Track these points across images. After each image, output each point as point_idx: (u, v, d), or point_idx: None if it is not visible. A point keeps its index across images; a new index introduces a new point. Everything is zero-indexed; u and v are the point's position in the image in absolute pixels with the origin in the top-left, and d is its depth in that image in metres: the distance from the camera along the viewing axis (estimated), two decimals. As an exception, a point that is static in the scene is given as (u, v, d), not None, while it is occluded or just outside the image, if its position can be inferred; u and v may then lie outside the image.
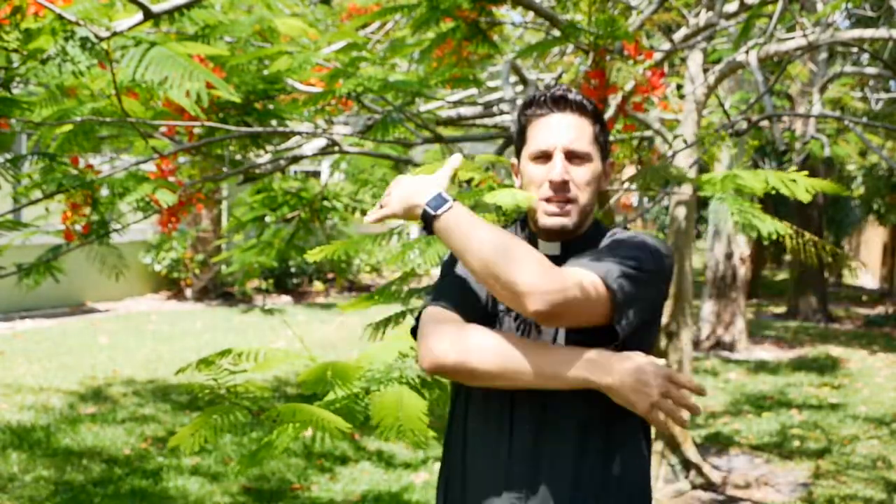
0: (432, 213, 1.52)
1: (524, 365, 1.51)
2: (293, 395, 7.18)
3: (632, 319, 1.54)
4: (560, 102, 1.65)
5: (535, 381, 1.52)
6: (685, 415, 1.52)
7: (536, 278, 1.44)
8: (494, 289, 1.49)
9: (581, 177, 1.63)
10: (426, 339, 1.55)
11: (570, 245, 1.66)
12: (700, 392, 1.53)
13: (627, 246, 1.61)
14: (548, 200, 1.62)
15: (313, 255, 2.00)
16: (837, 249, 2.04)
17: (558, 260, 1.61)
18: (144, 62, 1.92)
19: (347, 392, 1.69)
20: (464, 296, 1.65)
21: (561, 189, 1.61)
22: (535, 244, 1.67)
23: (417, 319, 1.65)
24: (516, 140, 1.72)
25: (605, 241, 1.67)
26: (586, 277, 1.50)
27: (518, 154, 1.72)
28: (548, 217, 1.63)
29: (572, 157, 1.63)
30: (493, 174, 1.88)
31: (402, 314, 2.45)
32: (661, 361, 1.54)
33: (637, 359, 1.52)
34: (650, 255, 1.61)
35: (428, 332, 1.56)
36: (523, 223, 1.74)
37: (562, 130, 1.63)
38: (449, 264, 1.72)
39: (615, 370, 1.50)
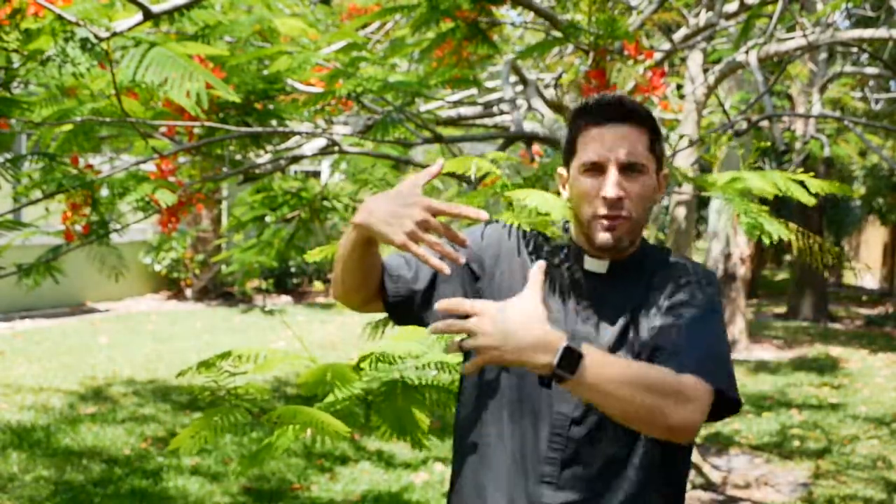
0: (568, 377, 1.35)
1: None
2: (293, 395, 7.18)
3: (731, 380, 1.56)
4: (614, 110, 1.55)
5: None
6: (446, 248, 1.42)
7: (689, 416, 1.41)
8: (638, 422, 1.42)
9: (636, 191, 1.54)
10: None
11: (618, 264, 1.60)
12: (479, 217, 1.41)
13: (704, 306, 1.55)
14: (601, 217, 1.54)
15: (313, 256, 2.00)
16: (841, 252, 2.04)
17: (604, 279, 1.59)
18: (144, 63, 1.92)
19: (347, 393, 1.68)
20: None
21: (615, 206, 1.53)
22: (581, 259, 1.61)
23: None
24: (565, 150, 1.63)
25: (660, 273, 1.60)
26: (704, 395, 1.45)
27: (567, 165, 1.62)
28: (601, 234, 1.54)
29: (627, 169, 1.54)
30: (499, 171, 1.88)
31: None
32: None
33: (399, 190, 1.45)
34: (718, 306, 1.59)
35: None
36: (566, 232, 1.67)
37: (616, 141, 1.53)
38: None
39: (367, 207, 1.46)
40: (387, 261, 1.63)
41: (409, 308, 1.63)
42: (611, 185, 1.51)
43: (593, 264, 1.60)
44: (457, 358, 1.80)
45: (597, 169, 1.54)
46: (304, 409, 1.60)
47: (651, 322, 1.55)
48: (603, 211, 1.53)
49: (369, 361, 1.80)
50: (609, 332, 1.56)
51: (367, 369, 1.79)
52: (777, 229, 1.81)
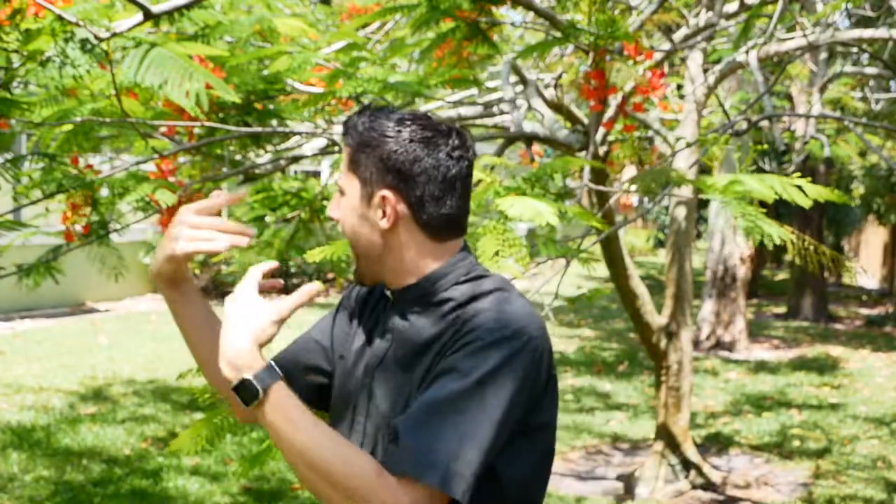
0: (246, 404, 1.26)
1: None
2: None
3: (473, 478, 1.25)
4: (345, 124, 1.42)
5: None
6: (222, 241, 1.38)
7: (376, 487, 1.21)
8: (319, 489, 1.24)
9: (337, 213, 1.42)
10: None
11: (397, 293, 1.43)
12: (232, 203, 1.42)
13: (469, 376, 1.27)
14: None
15: (313, 256, 2.00)
16: (838, 255, 2.04)
17: (394, 306, 1.44)
18: (145, 64, 1.92)
19: None
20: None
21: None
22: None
23: None
24: None
25: (450, 328, 1.34)
26: (419, 491, 1.22)
27: None
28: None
29: (342, 192, 1.41)
30: (494, 177, 1.88)
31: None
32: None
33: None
34: (510, 368, 1.28)
35: None
36: None
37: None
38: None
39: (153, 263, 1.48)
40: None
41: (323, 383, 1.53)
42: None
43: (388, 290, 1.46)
44: None
45: None
46: None
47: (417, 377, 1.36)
48: None
49: None
50: (372, 361, 1.43)
51: None
52: (775, 232, 1.81)
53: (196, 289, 1.56)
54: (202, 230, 1.40)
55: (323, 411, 1.52)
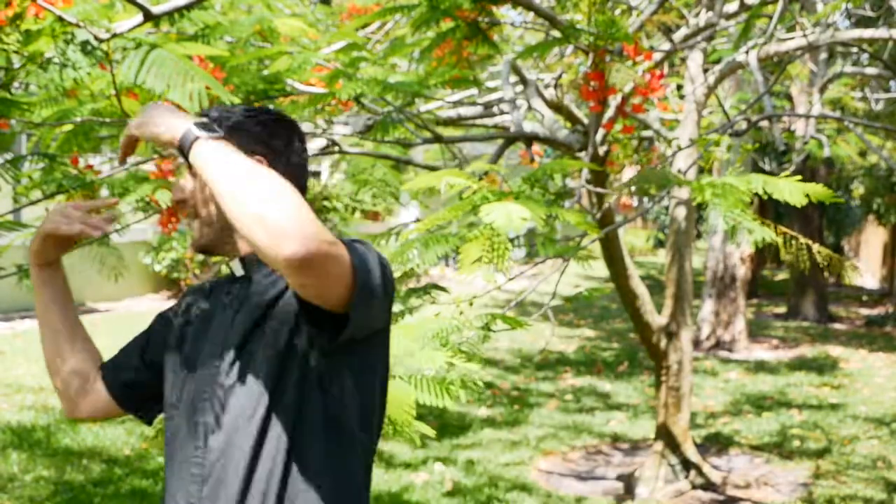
0: (196, 134, 1.33)
1: None
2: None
3: (367, 317, 1.39)
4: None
5: None
6: (76, 226, 1.55)
7: (299, 219, 1.24)
8: (244, 226, 1.25)
9: (191, 188, 1.54)
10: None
11: (246, 261, 1.54)
12: (113, 204, 1.61)
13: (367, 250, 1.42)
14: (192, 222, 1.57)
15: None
16: (835, 255, 2.04)
17: (244, 280, 1.53)
18: (145, 65, 1.92)
19: None
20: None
21: (181, 204, 1.56)
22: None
23: None
24: None
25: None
26: (338, 242, 1.32)
27: None
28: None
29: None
30: (489, 181, 1.88)
31: (401, 314, 2.45)
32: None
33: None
34: (387, 269, 1.44)
35: None
36: None
37: None
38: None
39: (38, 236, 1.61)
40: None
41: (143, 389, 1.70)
42: (174, 186, 1.58)
43: (235, 267, 1.56)
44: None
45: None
46: None
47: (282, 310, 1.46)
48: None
49: None
50: (242, 330, 1.48)
51: None
52: (761, 233, 1.81)
53: (63, 276, 1.69)
54: (69, 216, 1.56)
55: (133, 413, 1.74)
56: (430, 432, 1.71)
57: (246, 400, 1.43)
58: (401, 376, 1.73)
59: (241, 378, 1.44)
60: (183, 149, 1.34)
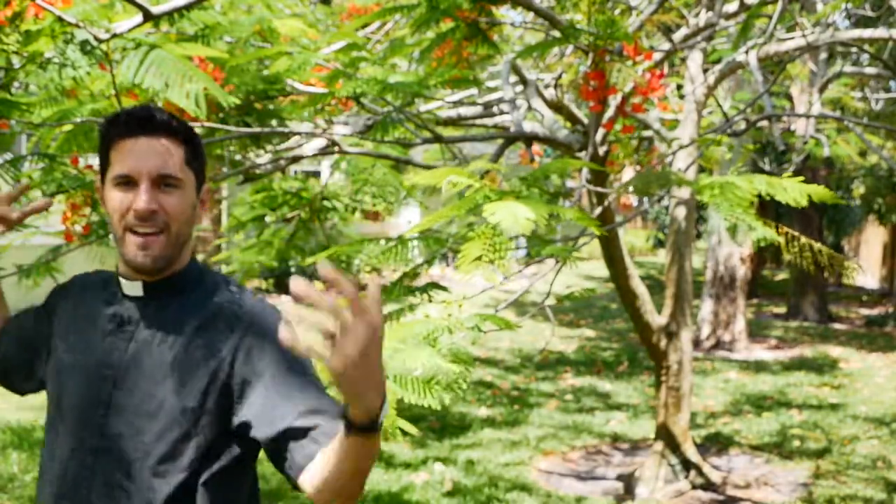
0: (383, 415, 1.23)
1: None
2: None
3: None
4: (146, 123, 1.48)
5: None
6: None
7: None
8: (346, 495, 1.33)
9: (171, 205, 1.47)
10: None
11: (155, 285, 1.52)
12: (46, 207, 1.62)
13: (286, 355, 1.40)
14: (133, 232, 1.46)
15: (315, 258, 2.00)
16: (835, 254, 2.04)
17: (142, 302, 1.51)
18: (144, 65, 1.92)
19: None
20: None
21: (148, 220, 1.45)
22: (116, 283, 1.54)
23: None
24: (100, 163, 1.53)
25: (214, 307, 1.51)
26: None
27: (102, 178, 1.53)
28: (134, 250, 1.46)
29: (161, 183, 1.47)
30: (489, 181, 1.87)
31: (401, 311, 2.45)
32: None
33: None
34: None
35: None
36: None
37: (148, 154, 1.46)
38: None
39: None
40: None
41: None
42: (143, 197, 1.44)
43: (129, 287, 1.52)
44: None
45: (129, 182, 1.47)
46: None
47: (208, 366, 1.45)
48: (135, 225, 1.46)
49: None
50: (135, 359, 1.48)
51: None
52: (763, 233, 1.82)
53: None
54: None
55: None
56: (414, 430, 1.71)
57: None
58: (386, 376, 1.73)
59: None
60: (373, 423, 1.21)
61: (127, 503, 1.45)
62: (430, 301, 2.26)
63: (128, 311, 1.52)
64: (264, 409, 1.42)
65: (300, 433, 1.38)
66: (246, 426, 1.44)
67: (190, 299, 1.52)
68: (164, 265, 1.50)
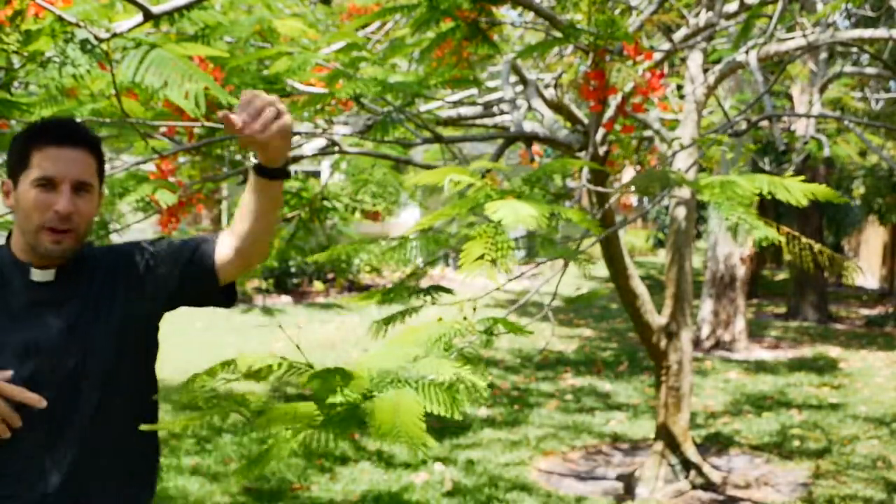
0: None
1: None
2: (293, 395, 7.18)
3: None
4: (71, 134, 1.75)
5: None
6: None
7: None
8: (269, 237, 1.81)
9: (83, 207, 1.74)
10: None
11: (64, 269, 1.78)
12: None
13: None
14: (50, 229, 1.71)
15: (316, 258, 2.00)
16: (835, 254, 2.04)
17: (53, 287, 1.76)
18: (144, 65, 1.92)
19: (348, 397, 1.65)
20: None
21: (66, 220, 1.71)
22: (27, 272, 1.75)
23: None
24: (15, 163, 1.75)
25: (103, 263, 1.83)
26: None
27: (15, 177, 1.75)
28: (49, 245, 1.72)
29: (78, 188, 1.73)
30: (490, 180, 1.87)
31: (406, 312, 2.45)
32: None
33: None
34: None
35: None
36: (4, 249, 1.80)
37: (71, 162, 1.72)
38: None
39: None
40: None
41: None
42: (65, 200, 1.70)
43: (40, 275, 1.76)
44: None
45: (49, 185, 1.70)
46: (301, 409, 1.58)
47: (118, 300, 1.79)
48: (53, 223, 1.71)
49: (372, 365, 1.76)
50: (69, 329, 1.74)
51: (370, 375, 1.75)
52: (765, 233, 1.81)
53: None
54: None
55: None
56: (433, 443, 1.69)
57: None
58: (407, 381, 1.71)
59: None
60: (279, 169, 1.72)
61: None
62: (434, 303, 2.26)
63: (42, 295, 1.76)
64: (170, 271, 1.84)
65: (198, 251, 1.83)
66: (162, 297, 1.85)
67: (92, 274, 1.81)
68: (71, 255, 1.76)
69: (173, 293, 1.84)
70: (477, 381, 1.70)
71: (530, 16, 5.24)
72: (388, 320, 2.45)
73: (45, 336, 1.72)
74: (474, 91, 4.22)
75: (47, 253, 1.72)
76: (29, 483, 1.71)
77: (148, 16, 2.15)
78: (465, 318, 1.83)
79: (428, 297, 2.27)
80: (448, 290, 2.25)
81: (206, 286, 1.83)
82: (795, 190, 1.90)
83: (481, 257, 1.71)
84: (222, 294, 1.87)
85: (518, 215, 1.64)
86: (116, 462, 1.79)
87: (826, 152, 6.22)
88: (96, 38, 2.07)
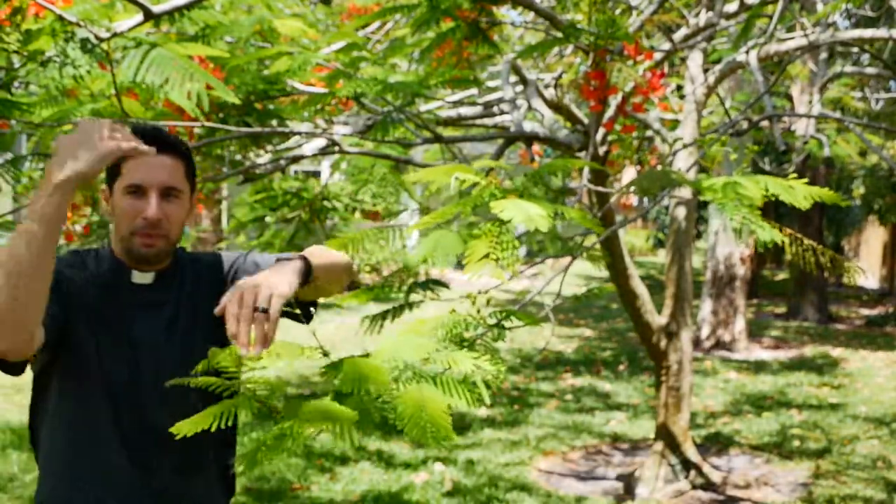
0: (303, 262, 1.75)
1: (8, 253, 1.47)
2: (294, 395, 7.18)
3: None
4: (157, 141, 1.73)
5: (33, 243, 1.46)
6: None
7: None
8: (339, 283, 1.95)
9: (173, 213, 1.79)
10: None
11: (162, 272, 1.85)
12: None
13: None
14: (141, 234, 1.77)
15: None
16: (837, 255, 2.03)
17: (152, 289, 1.83)
18: (145, 64, 1.92)
19: (373, 391, 1.61)
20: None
21: (155, 226, 1.76)
22: (128, 274, 1.81)
23: None
24: (109, 171, 1.78)
25: (192, 268, 1.89)
26: None
27: (110, 184, 1.80)
28: (141, 249, 1.78)
29: (166, 194, 1.78)
30: (493, 178, 1.87)
31: (401, 308, 2.44)
32: None
33: None
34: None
35: None
36: (111, 250, 1.85)
37: (158, 168, 1.76)
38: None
39: (51, 165, 1.51)
40: None
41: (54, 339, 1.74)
42: (153, 207, 1.75)
43: (140, 277, 1.83)
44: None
45: (139, 191, 1.76)
46: (320, 405, 1.54)
47: (207, 302, 1.74)
48: (144, 229, 1.76)
49: (389, 357, 1.73)
50: (168, 329, 1.82)
51: (393, 366, 1.73)
52: (769, 234, 1.81)
53: None
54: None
55: None
56: (456, 438, 1.67)
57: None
58: (424, 376, 1.69)
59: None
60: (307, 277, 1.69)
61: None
62: (435, 299, 2.26)
63: (143, 296, 1.82)
64: None
65: None
66: None
67: (185, 278, 1.88)
68: (163, 259, 1.82)
69: None
70: (495, 372, 1.70)
71: (530, 16, 5.25)
72: (383, 315, 2.45)
73: (147, 336, 1.79)
74: (474, 91, 4.22)
75: (141, 256, 1.78)
76: (140, 482, 1.77)
77: (148, 15, 2.15)
78: (478, 312, 1.83)
79: (427, 292, 2.27)
80: (444, 285, 2.25)
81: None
82: (799, 192, 1.89)
83: (486, 256, 1.70)
84: (297, 313, 1.92)
85: (527, 214, 1.64)
86: (214, 457, 1.87)
87: (826, 152, 6.22)
88: (96, 37, 2.07)
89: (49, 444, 1.83)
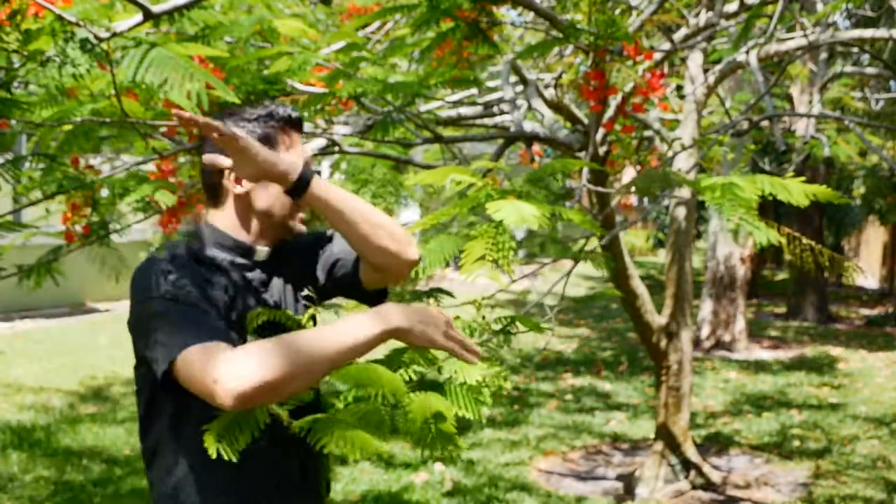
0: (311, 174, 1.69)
1: (316, 350, 1.52)
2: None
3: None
4: (300, 126, 1.85)
5: (338, 358, 1.54)
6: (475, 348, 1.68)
7: (405, 232, 1.79)
8: (378, 238, 1.74)
9: (283, 200, 1.83)
10: (212, 374, 1.46)
11: (273, 249, 1.88)
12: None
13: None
14: (298, 219, 1.85)
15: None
16: (836, 255, 2.03)
17: (270, 262, 1.85)
18: (145, 64, 1.92)
19: (385, 398, 1.58)
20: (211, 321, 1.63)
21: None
22: (252, 252, 1.83)
23: (167, 373, 1.55)
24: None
25: (300, 242, 1.92)
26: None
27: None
28: (299, 226, 1.86)
29: None
30: (491, 179, 1.87)
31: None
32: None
33: (408, 305, 1.70)
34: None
35: (209, 368, 1.47)
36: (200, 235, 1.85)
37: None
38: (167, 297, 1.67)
39: (397, 315, 1.60)
40: None
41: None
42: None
43: (261, 254, 1.86)
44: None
45: None
46: (339, 422, 1.51)
47: (312, 267, 1.92)
48: (303, 213, 1.85)
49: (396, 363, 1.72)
50: (292, 296, 1.88)
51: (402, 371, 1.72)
52: (767, 235, 1.81)
53: None
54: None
55: None
56: (464, 445, 1.66)
57: None
58: (432, 381, 1.68)
59: None
60: (299, 184, 1.67)
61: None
62: (438, 305, 2.25)
63: (265, 270, 1.86)
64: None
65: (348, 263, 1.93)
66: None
67: (289, 251, 1.91)
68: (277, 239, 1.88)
69: (323, 293, 1.93)
70: (501, 384, 1.69)
71: (530, 16, 5.25)
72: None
73: (276, 305, 1.83)
74: (474, 91, 4.22)
75: (292, 235, 1.85)
76: (279, 474, 1.77)
77: (148, 15, 2.15)
78: (483, 317, 1.83)
79: (431, 301, 2.27)
80: (448, 293, 2.24)
81: (353, 294, 1.97)
82: (796, 191, 1.89)
83: (482, 257, 1.70)
84: (372, 296, 1.95)
85: (521, 215, 1.64)
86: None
87: (826, 152, 6.22)
88: (96, 37, 2.07)
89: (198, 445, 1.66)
